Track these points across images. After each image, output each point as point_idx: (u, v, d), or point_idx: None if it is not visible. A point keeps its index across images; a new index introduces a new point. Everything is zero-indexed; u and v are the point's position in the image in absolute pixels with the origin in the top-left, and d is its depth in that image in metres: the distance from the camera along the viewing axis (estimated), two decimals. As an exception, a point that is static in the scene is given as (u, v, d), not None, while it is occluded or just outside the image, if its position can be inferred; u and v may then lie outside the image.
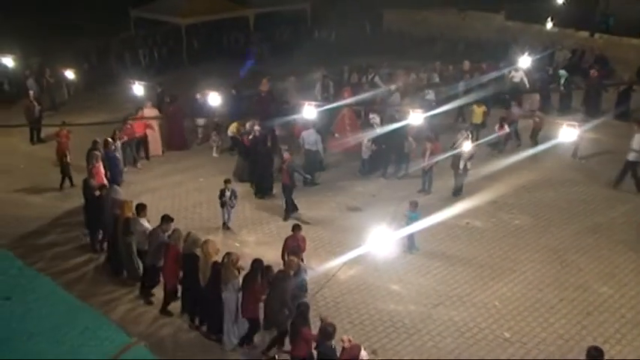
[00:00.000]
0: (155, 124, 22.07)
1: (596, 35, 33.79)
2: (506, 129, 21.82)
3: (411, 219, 16.06)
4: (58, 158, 19.96)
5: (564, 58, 31.44)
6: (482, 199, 18.98)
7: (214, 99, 20.39)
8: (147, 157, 21.99)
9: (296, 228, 14.38)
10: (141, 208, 14.64)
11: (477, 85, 25.79)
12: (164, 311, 13.80)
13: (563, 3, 34.99)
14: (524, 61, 23.03)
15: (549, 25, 31.70)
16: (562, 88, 26.58)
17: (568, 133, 13.35)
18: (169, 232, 13.68)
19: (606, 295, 14.61)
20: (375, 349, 12.65)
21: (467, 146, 18.51)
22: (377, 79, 26.89)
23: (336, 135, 22.59)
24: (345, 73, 28.12)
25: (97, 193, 15.98)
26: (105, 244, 15.99)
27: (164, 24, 34.72)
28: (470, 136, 19.21)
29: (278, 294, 12.26)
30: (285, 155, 17.82)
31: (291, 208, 17.97)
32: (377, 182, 20.38)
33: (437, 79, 26.56)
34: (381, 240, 11.28)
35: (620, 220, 18.02)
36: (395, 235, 14.76)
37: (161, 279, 14.03)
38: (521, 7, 34.23)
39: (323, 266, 15.26)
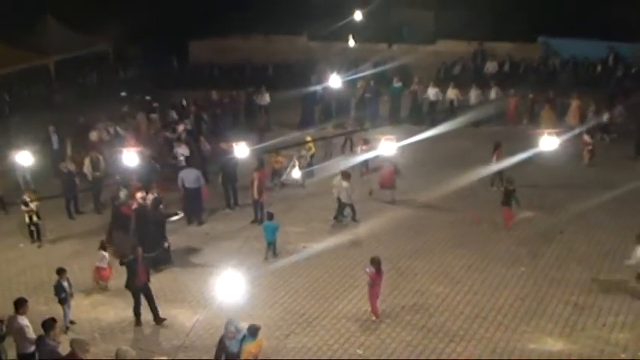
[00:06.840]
0: None
1: (394, 46, 35.76)
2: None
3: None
4: None
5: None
6: (314, 219, 19.37)
7: None
8: None
9: None
10: (20, 305, 12.51)
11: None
12: None
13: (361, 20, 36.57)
14: (334, 80, 23.75)
15: (351, 42, 33.16)
16: None
17: (388, 146, 14.05)
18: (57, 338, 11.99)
19: (443, 295, 15.38)
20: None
21: (295, 173, 18.74)
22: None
23: None
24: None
25: None
26: None
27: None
28: (297, 163, 19.38)
29: None
30: (139, 250, 14.72)
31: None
32: (208, 219, 20.10)
33: (175, 116, 26.70)
34: (232, 284, 10.99)
35: (447, 219, 19.13)
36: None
37: None
38: (322, 28, 35.35)
39: (169, 316, 14.85)
